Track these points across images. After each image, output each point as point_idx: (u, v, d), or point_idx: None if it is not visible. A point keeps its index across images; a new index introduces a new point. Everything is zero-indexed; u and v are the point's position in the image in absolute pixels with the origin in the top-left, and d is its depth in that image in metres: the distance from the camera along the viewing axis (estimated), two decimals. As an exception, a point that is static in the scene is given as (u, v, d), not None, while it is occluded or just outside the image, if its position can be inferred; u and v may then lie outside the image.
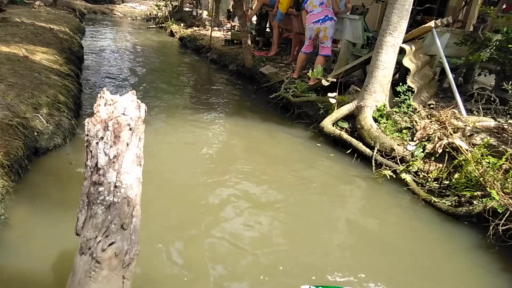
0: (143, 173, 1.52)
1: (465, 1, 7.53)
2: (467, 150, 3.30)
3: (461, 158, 3.27)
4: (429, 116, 3.93)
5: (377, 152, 3.75)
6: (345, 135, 4.11)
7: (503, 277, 2.47)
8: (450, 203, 3.12)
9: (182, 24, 13.11)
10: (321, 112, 4.74)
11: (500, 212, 2.75)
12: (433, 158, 3.50)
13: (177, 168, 3.47)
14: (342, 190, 3.53)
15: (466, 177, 3.17)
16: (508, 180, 2.93)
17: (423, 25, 4.43)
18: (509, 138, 3.41)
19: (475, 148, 3.27)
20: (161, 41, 11.53)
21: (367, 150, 3.83)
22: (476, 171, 3.08)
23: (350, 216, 3.10)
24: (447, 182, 3.31)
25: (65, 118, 3.75)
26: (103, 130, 1.37)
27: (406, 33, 4.13)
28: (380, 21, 7.03)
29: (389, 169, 3.57)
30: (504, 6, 6.08)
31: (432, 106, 4.33)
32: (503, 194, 2.84)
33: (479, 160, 3.13)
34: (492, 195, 2.84)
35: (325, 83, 4.70)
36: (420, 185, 3.40)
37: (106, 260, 1.43)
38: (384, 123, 3.99)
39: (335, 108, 4.41)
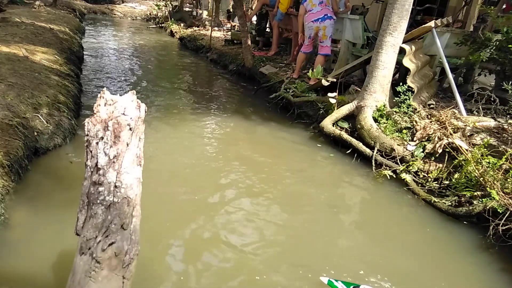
0: (143, 172, 1.52)
1: (465, 1, 7.53)
2: (467, 150, 3.30)
3: (461, 158, 3.27)
4: (429, 116, 3.93)
5: (377, 152, 3.75)
6: (345, 135, 4.11)
7: (503, 277, 2.47)
8: (450, 203, 3.12)
9: (182, 24, 13.11)
10: (321, 112, 4.74)
11: (500, 212, 2.75)
12: (433, 158, 3.50)
13: (177, 168, 3.47)
14: (342, 190, 3.53)
15: (466, 177, 3.17)
16: (508, 180, 2.93)
17: (423, 25, 4.43)
18: (509, 138, 3.41)
19: (475, 148, 3.27)
20: (161, 41, 11.53)
21: (367, 150, 3.83)
22: (476, 171, 3.08)
23: (350, 216, 3.10)
24: (447, 182, 3.31)
25: (65, 118, 3.75)
26: (103, 130, 1.37)
27: (406, 33, 4.13)
28: (380, 21, 7.03)
29: (389, 169, 3.57)
30: (504, 6, 6.08)
31: (432, 106, 4.33)
32: (503, 194, 2.84)
33: (479, 160, 3.13)
34: (492, 195, 2.84)
35: (325, 83, 4.70)
36: (420, 185, 3.40)
37: (106, 260, 1.43)
38: (384, 123, 3.99)
39: (335, 108, 4.41)
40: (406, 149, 3.67)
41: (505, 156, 3.03)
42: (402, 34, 4.04)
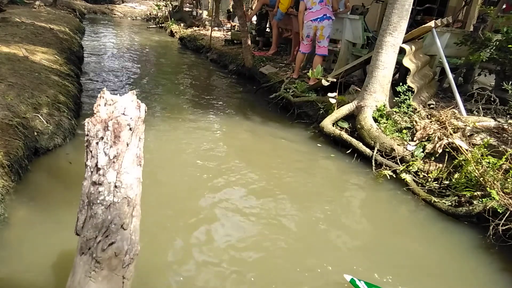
0: (143, 173, 1.52)
1: (465, 1, 7.52)
2: (467, 150, 3.30)
3: (461, 158, 3.27)
4: (429, 116, 3.93)
5: (377, 152, 3.75)
6: (345, 135, 4.11)
7: (503, 277, 2.47)
8: (450, 203, 3.12)
9: (182, 24, 13.11)
10: (321, 112, 4.74)
11: (500, 212, 2.75)
12: (433, 158, 3.50)
13: (177, 168, 3.47)
14: (341, 190, 3.52)
15: (466, 177, 3.17)
16: (508, 180, 2.93)
17: (423, 25, 4.43)
18: (509, 138, 3.41)
19: (475, 148, 3.27)
20: (161, 41, 11.53)
21: (367, 150, 3.83)
22: (476, 171, 3.08)
23: (350, 216, 3.10)
24: (447, 182, 3.31)
25: (65, 118, 3.75)
26: (103, 130, 1.37)
27: (406, 33, 4.13)
28: (380, 21, 7.03)
29: (389, 169, 3.57)
30: (504, 6, 6.08)
31: (432, 106, 4.33)
32: (503, 194, 2.84)
33: (479, 160, 3.13)
34: (492, 195, 2.84)
35: (325, 83, 4.70)
36: (420, 185, 3.40)
37: (106, 260, 1.43)
38: (384, 123, 3.99)
39: (335, 108, 4.41)
40: (406, 149, 3.67)
41: (505, 156, 3.03)
42: (402, 34, 4.04)
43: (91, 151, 1.39)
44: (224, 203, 2.99)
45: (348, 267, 2.42)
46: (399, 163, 3.60)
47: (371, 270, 2.40)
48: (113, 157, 1.38)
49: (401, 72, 4.74)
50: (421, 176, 3.46)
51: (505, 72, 4.35)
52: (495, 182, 2.94)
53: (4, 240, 2.24)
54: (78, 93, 4.84)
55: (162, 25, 14.53)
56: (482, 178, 3.02)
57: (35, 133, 3.27)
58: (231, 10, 12.58)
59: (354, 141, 3.98)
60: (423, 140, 3.67)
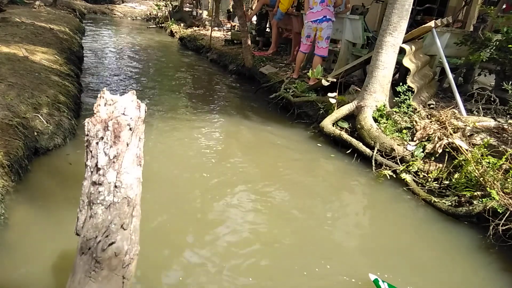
0: (143, 172, 1.52)
1: (465, 1, 7.52)
2: (467, 150, 3.30)
3: (461, 158, 3.27)
4: (429, 116, 3.93)
5: (377, 152, 3.75)
6: (345, 135, 4.11)
7: (503, 277, 2.47)
8: (450, 203, 3.12)
9: (182, 24, 13.11)
10: (321, 112, 4.74)
11: (500, 212, 2.75)
12: (433, 158, 3.50)
13: (177, 168, 3.47)
14: (341, 190, 3.53)
15: (466, 177, 3.17)
16: (508, 180, 2.93)
17: (423, 25, 4.43)
18: (509, 138, 3.41)
19: (475, 148, 3.27)
20: (161, 41, 11.53)
21: (367, 150, 3.83)
22: (476, 171, 3.08)
23: (350, 216, 3.10)
24: (447, 182, 3.31)
25: (65, 118, 3.75)
26: (103, 130, 1.37)
27: (406, 33, 4.13)
28: (380, 21, 7.03)
29: (389, 169, 3.57)
30: (504, 6, 6.08)
31: (432, 106, 4.33)
32: (503, 194, 2.84)
33: (479, 160, 3.13)
34: (492, 195, 2.84)
35: (325, 83, 4.70)
36: (420, 185, 3.40)
37: (106, 260, 1.43)
38: (384, 123, 3.99)
39: (335, 108, 4.41)
40: (406, 149, 3.67)
41: (505, 156, 3.03)
42: (402, 34, 4.04)
43: (91, 151, 1.39)
44: (224, 203, 2.99)
45: (347, 267, 2.42)
46: (399, 163, 3.60)
47: (369, 269, 2.40)
48: (113, 157, 1.38)
49: (401, 72, 4.74)
50: (421, 176, 3.46)
51: (505, 72, 4.35)
52: (495, 182, 2.94)
53: (4, 240, 2.23)
54: (78, 93, 4.84)
55: (162, 25, 14.53)
56: (482, 178, 3.02)
57: (35, 133, 3.27)
58: (231, 10, 12.58)
59: (354, 141, 3.98)
60: (423, 140, 3.67)
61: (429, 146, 3.53)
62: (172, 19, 13.81)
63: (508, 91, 3.89)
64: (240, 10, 7.06)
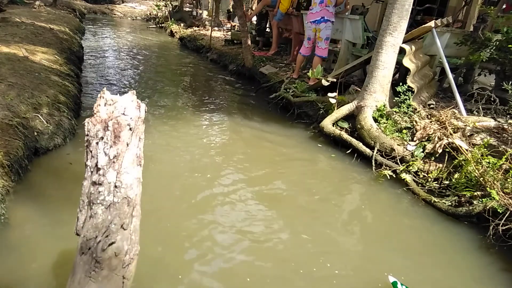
0: (143, 173, 1.52)
1: (465, 1, 7.52)
2: (467, 150, 3.30)
3: (461, 158, 3.27)
4: (429, 116, 3.93)
5: (377, 152, 3.75)
6: (345, 135, 4.11)
7: (503, 277, 2.47)
8: (450, 203, 3.12)
9: (182, 24, 13.11)
10: (321, 112, 4.74)
11: (500, 212, 2.75)
12: (433, 158, 3.50)
13: (177, 167, 3.47)
14: (342, 190, 3.52)
15: (466, 177, 3.17)
16: (508, 180, 2.93)
17: (423, 25, 4.43)
18: (509, 138, 3.41)
19: (475, 148, 3.27)
20: (161, 41, 11.53)
21: (367, 150, 3.83)
22: (476, 171, 3.08)
23: (350, 215, 3.09)
24: (447, 182, 3.31)
25: (65, 118, 3.75)
26: (103, 130, 1.37)
27: (406, 33, 4.13)
28: (380, 21, 7.03)
29: (389, 169, 3.57)
30: (504, 6, 6.08)
31: (432, 106, 4.33)
32: (503, 194, 2.84)
33: (479, 160, 3.13)
34: (492, 195, 2.84)
35: (325, 83, 4.70)
36: (420, 185, 3.40)
37: (106, 260, 1.43)
38: (384, 123, 3.99)
39: (335, 108, 4.41)
40: (406, 149, 3.67)
41: (505, 156, 3.03)
42: (402, 34, 4.04)
43: (91, 151, 1.39)
44: (223, 203, 2.99)
45: (347, 267, 2.42)
46: (399, 163, 3.60)
47: (369, 269, 2.40)
48: (113, 157, 1.38)
49: (401, 72, 4.74)
50: (421, 176, 3.46)
51: (505, 72, 4.35)
52: (495, 182, 2.94)
53: (4, 240, 2.24)
54: (78, 93, 4.84)
55: (162, 25, 14.54)
56: (482, 178, 3.02)
57: (35, 133, 3.27)
58: (231, 10, 12.58)
59: (354, 141, 3.98)
60: (423, 140, 3.67)
61: (429, 146, 3.53)
62: (172, 19, 13.82)
63: (508, 91, 3.89)
64: (240, 10, 7.06)
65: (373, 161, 3.73)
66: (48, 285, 2.01)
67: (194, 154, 3.81)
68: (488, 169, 3.06)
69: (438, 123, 3.74)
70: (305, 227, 2.82)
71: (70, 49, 6.73)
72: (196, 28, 12.10)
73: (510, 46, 4.10)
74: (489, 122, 3.75)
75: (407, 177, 3.44)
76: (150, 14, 17.13)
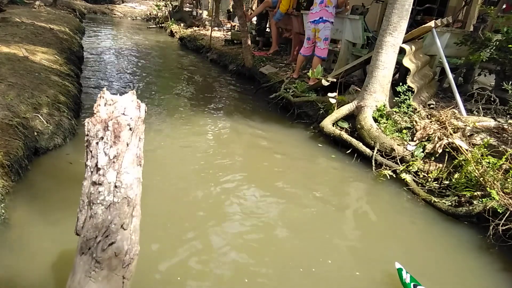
0: (143, 173, 1.52)
1: (465, 1, 7.52)
2: (467, 150, 3.30)
3: (461, 158, 3.26)
4: (429, 116, 3.93)
5: (377, 152, 3.75)
6: (345, 135, 4.11)
7: (503, 277, 2.47)
8: (450, 203, 3.12)
9: (182, 24, 13.11)
10: (321, 112, 4.74)
11: (500, 212, 2.75)
12: (433, 158, 3.50)
13: (177, 167, 3.47)
14: (342, 190, 3.53)
15: (466, 177, 3.17)
16: (508, 180, 2.93)
17: (423, 25, 4.43)
18: (509, 138, 3.41)
19: (475, 148, 3.27)
20: (161, 41, 11.53)
21: (367, 150, 3.83)
22: (476, 171, 3.08)
23: (350, 215, 3.10)
24: (447, 182, 3.31)
25: (65, 118, 3.75)
26: (103, 130, 1.37)
27: (406, 33, 4.13)
28: (380, 21, 7.02)
29: (389, 169, 3.57)
30: (504, 6, 6.08)
31: (432, 106, 4.33)
32: (503, 194, 2.84)
33: (479, 160, 3.13)
34: (492, 195, 2.84)
35: (325, 83, 4.70)
36: (420, 185, 3.40)
37: (106, 260, 1.43)
38: (384, 123, 3.99)
39: (335, 108, 4.41)
40: (406, 149, 3.67)
41: (505, 156, 3.03)
42: (402, 34, 4.04)
43: (91, 151, 1.39)
44: (223, 202, 2.99)
45: (347, 266, 2.42)
46: (399, 163, 3.60)
47: (369, 270, 2.40)
48: (113, 157, 1.38)
49: (401, 72, 4.74)
50: (421, 176, 3.46)
51: (505, 72, 4.35)
52: (495, 182, 2.93)
53: (4, 240, 2.24)
54: (78, 93, 4.83)
55: (162, 25, 14.54)
56: (482, 178, 3.02)
57: (35, 133, 3.27)
58: (231, 10, 12.58)
59: (354, 141, 3.98)
60: (423, 140, 3.66)
61: (429, 146, 3.53)
62: (172, 19, 13.82)
63: (508, 91, 3.89)
64: (240, 10, 7.06)
65: (373, 161, 3.73)
66: (48, 285, 2.00)
67: (193, 154, 3.81)
68: (488, 169, 3.06)
69: (438, 123, 3.74)
70: (305, 227, 2.82)
71: (70, 49, 6.73)
72: (196, 28, 12.10)
73: (510, 46, 4.10)
74: (489, 122, 3.75)
75: (407, 177, 3.44)
76: (150, 14, 17.14)
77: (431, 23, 4.34)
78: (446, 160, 3.40)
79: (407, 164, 3.53)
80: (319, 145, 4.32)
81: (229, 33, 9.99)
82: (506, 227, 2.65)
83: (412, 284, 2.21)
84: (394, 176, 3.53)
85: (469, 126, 3.62)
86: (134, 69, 7.39)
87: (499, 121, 3.81)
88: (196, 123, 4.67)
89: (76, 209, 1.45)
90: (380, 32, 4.13)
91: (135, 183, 1.46)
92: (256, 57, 7.28)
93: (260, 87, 6.23)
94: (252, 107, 5.65)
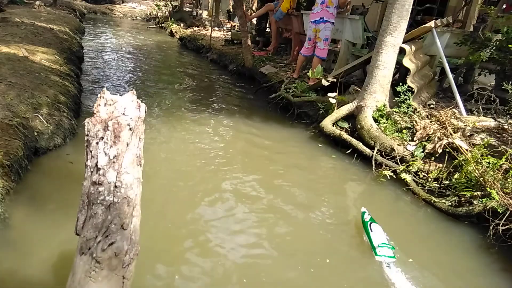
0: (143, 173, 1.52)
1: (465, 1, 7.52)
2: (467, 150, 3.30)
3: (461, 158, 3.26)
4: (429, 116, 3.93)
5: (377, 152, 3.75)
6: (345, 135, 4.11)
7: (503, 277, 2.47)
8: (450, 203, 3.12)
9: (182, 24, 13.12)
10: (321, 112, 4.74)
11: (500, 212, 2.74)
12: (433, 158, 3.50)
13: (177, 168, 3.47)
14: (342, 190, 3.52)
15: (466, 177, 3.17)
16: (508, 180, 2.93)
17: (423, 25, 4.43)
18: (509, 138, 3.41)
19: (475, 148, 3.27)
20: (161, 41, 11.53)
21: (367, 150, 3.83)
22: (476, 171, 3.08)
23: (350, 216, 3.09)
24: (447, 182, 3.31)
25: (65, 118, 3.75)
26: (103, 130, 1.37)
27: (406, 33, 4.13)
28: (380, 21, 7.03)
29: (389, 169, 3.57)
30: (504, 6, 6.08)
31: (432, 106, 4.33)
32: (503, 194, 2.84)
33: (479, 160, 3.13)
34: (492, 195, 2.84)
35: (325, 83, 4.70)
36: (420, 185, 3.40)
37: (106, 260, 1.43)
38: (384, 123, 3.99)
39: (335, 108, 4.41)
40: (406, 149, 3.67)
41: (505, 156, 3.03)
42: (402, 34, 4.04)
43: (91, 151, 1.39)
44: (223, 202, 2.99)
45: (347, 265, 2.42)
46: (399, 163, 3.60)
47: (368, 270, 2.40)
48: (113, 157, 1.38)
49: (401, 72, 4.74)
50: (421, 176, 3.46)
51: (505, 72, 4.35)
52: (495, 182, 2.93)
53: (4, 240, 2.23)
54: (78, 93, 4.83)
55: (162, 25, 14.55)
56: (482, 178, 3.02)
57: (35, 133, 3.27)
58: (231, 10, 12.58)
59: (354, 141, 3.98)
60: (423, 140, 3.66)
61: (429, 146, 3.53)
62: (172, 19, 13.83)
63: (508, 91, 3.89)
64: (240, 10, 7.06)
65: (373, 161, 3.73)
66: (48, 285, 2.00)
67: (193, 154, 3.81)
68: (488, 169, 3.06)
69: (438, 123, 3.74)
70: (305, 227, 2.82)
71: (70, 49, 6.73)
72: (196, 28, 12.10)
73: (510, 46, 4.10)
74: (489, 122, 3.75)
75: (407, 177, 3.44)
76: (150, 14, 17.15)
77: (431, 23, 4.34)
78: (446, 160, 3.40)
79: (407, 164, 3.53)
80: (319, 145, 4.32)
81: (229, 33, 9.99)
82: (506, 227, 2.65)
83: (369, 223, 2.64)
84: (394, 176, 3.53)
85: (469, 126, 3.62)
86: (134, 69, 7.39)
87: (499, 121, 3.81)
88: (196, 123, 4.67)
89: (76, 209, 1.45)
90: (380, 32, 4.13)
91: (135, 183, 1.46)
92: (256, 57, 7.28)
93: (260, 87, 6.23)
94: (252, 107, 5.65)
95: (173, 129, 4.38)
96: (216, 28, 11.00)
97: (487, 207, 2.82)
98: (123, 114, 1.40)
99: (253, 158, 3.91)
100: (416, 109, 4.01)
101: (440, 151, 3.45)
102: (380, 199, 3.37)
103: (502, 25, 4.35)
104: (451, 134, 3.51)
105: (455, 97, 4.20)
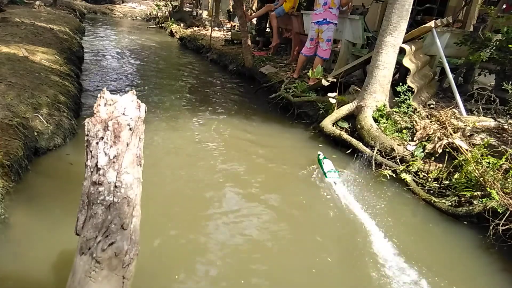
0: (143, 172, 1.52)
1: (465, 1, 7.52)
2: (467, 150, 3.30)
3: (461, 158, 3.26)
4: (429, 116, 3.93)
5: (377, 152, 3.75)
6: (345, 135, 4.11)
7: (503, 277, 2.47)
8: (450, 203, 3.11)
9: (182, 24, 13.12)
10: (321, 112, 4.74)
11: (500, 212, 2.74)
12: (433, 158, 3.50)
13: (177, 168, 3.47)
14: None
15: (466, 177, 3.17)
16: (508, 180, 2.93)
17: (423, 25, 4.43)
18: (509, 138, 3.41)
19: (475, 148, 3.27)
20: (161, 41, 11.53)
21: (367, 150, 3.83)
22: (476, 171, 3.08)
23: (350, 216, 3.09)
24: (447, 182, 3.31)
25: (65, 118, 3.75)
26: (103, 130, 1.37)
27: (406, 33, 4.13)
28: (380, 21, 7.03)
29: (389, 169, 3.57)
30: (504, 6, 6.08)
31: (432, 106, 4.33)
32: (503, 194, 2.84)
33: (479, 160, 3.13)
34: (492, 195, 2.84)
35: (325, 83, 4.70)
36: (420, 185, 3.40)
37: (106, 260, 1.43)
38: (384, 123, 3.99)
39: (335, 108, 4.41)
40: (406, 149, 3.67)
41: (505, 156, 3.03)
42: (402, 34, 4.04)
43: (91, 151, 1.39)
44: (222, 202, 2.99)
45: (347, 265, 2.42)
46: (399, 163, 3.60)
47: (367, 270, 2.40)
48: (113, 157, 1.38)
49: (401, 72, 4.74)
50: (421, 176, 3.46)
51: (505, 72, 4.35)
52: (495, 182, 2.93)
53: (4, 240, 2.23)
54: (78, 93, 4.84)
55: (162, 25, 14.55)
56: (482, 178, 3.02)
57: (35, 133, 3.27)
58: (231, 10, 12.58)
59: (354, 141, 3.98)
60: (423, 140, 3.66)
61: (429, 146, 3.53)
62: (172, 19, 13.83)
63: (508, 91, 3.89)
64: (240, 10, 7.06)
65: (373, 161, 3.73)
66: (48, 285, 2.00)
67: (193, 154, 3.81)
68: (488, 169, 3.05)
69: (438, 123, 3.74)
70: (305, 226, 2.82)
71: (70, 49, 6.73)
72: (196, 28, 12.10)
73: (510, 46, 4.10)
74: (489, 122, 3.75)
75: (407, 177, 3.44)
76: (150, 14, 17.15)
77: (431, 23, 4.34)
78: (446, 160, 3.40)
79: (407, 164, 3.53)
80: (320, 145, 4.32)
81: (229, 33, 9.99)
82: (506, 227, 2.65)
83: (322, 160, 3.59)
84: (394, 176, 3.53)
85: (469, 126, 3.62)
86: (134, 69, 7.39)
87: (499, 121, 3.81)
88: (195, 123, 4.67)
89: (76, 209, 1.45)
90: (380, 32, 4.13)
91: (135, 183, 1.46)
92: (256, 57, 7.28)
93: (260, 87, 6.23)
94: (252, 107, 5.65)
95: (173, 129, 4.38)
96: (216, 28, 11.00)
97: (487, 207, 2.82)
98: (123, 114, 1.40)
99: (252, 159, 3.90)
100: (416, 109, 4.01)
101: (440, 151, 3.45)
102: (380, 199, 3.37)
103: (502, 25, 4.36)
104: (451, 134, 3.51)
105: (455, 97, 4.20)
